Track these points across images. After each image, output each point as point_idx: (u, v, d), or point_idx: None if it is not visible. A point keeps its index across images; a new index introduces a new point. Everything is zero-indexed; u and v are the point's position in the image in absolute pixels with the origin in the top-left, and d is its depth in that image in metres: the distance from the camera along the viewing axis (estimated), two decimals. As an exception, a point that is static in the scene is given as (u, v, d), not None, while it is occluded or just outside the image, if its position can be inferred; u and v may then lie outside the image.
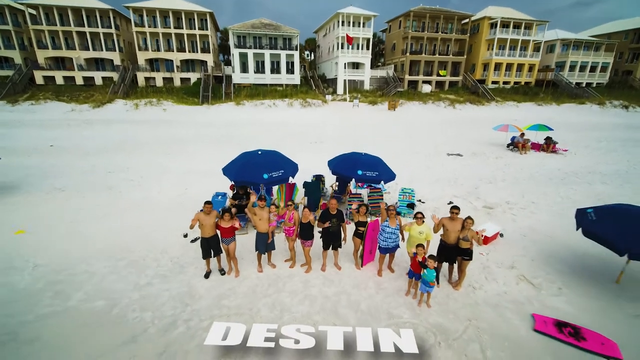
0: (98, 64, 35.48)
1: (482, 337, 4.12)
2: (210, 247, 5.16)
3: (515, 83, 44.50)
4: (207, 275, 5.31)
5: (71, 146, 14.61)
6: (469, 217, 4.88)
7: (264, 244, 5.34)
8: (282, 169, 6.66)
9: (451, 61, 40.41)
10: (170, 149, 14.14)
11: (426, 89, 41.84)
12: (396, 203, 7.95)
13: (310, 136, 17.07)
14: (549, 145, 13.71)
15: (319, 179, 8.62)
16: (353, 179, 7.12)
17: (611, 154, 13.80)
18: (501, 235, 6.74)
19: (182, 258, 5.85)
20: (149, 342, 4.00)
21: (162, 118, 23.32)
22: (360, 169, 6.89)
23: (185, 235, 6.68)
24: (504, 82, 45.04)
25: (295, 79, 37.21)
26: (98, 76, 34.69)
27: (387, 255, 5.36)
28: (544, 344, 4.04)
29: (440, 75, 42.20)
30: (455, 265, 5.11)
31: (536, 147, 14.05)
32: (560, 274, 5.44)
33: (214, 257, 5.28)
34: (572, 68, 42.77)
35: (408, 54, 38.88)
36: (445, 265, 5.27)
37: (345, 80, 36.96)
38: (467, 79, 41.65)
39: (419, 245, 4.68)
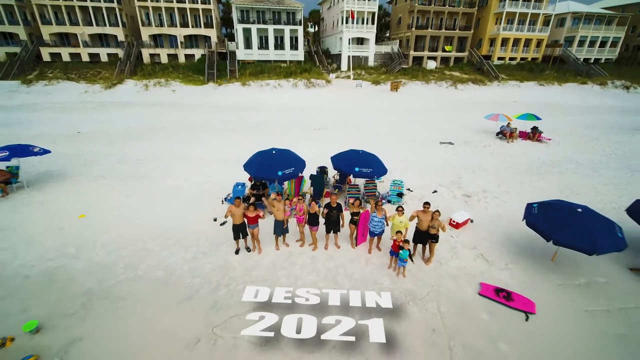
0: (102, 40, 35.76)
1: (440, 298, 5.74)
2: (239, 231, 6.72)
3: (522, 59, 44.06)
4: (237, 252, 6.93)
5: (95, 132, 15.98)
6: (437, 211, 6.35)
7: (281, 229, 6.90)
8: (293, 167, 8.07)
9: (457, 36, 39.97)
10: (185, 135, 15.48)
11: (431, 65, 41.73)
12: (387, 192, 9.41)
13: (315, 122, 18.23)
14: (534, 134, 14.84)
15: (323, 170, 10.04)
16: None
17: (592, 143, 14.94)
18: (471, 221, 8.24)
19: (215, 238, 7.46)
20: (202, 300, 5.67)
21: (172, 100, 24.34)
22: (357, 166, 8.29)
23: (215, 219, 8.25)
24: (511, 58, 44.60)
25: (299, 55, 37.36)
26: (103, 52, 35.14)
27: (375, 238, 6.91)
28: (483, 304, 5.65)
29: (446, 51, 41.88)
30: (427, 246, 6.66)
31: (524, 135, 15.20)
32: (510, 254, 6.99)
33: (242, 238, 6.87)
34: (581, 43, 42.10)
35: (414, 28, 38.48)
36: (420, 246, 6.82)
37: (349, 57, 37.05)
38: (472, 55, 41.38)
39: (398, 232, 6.20)
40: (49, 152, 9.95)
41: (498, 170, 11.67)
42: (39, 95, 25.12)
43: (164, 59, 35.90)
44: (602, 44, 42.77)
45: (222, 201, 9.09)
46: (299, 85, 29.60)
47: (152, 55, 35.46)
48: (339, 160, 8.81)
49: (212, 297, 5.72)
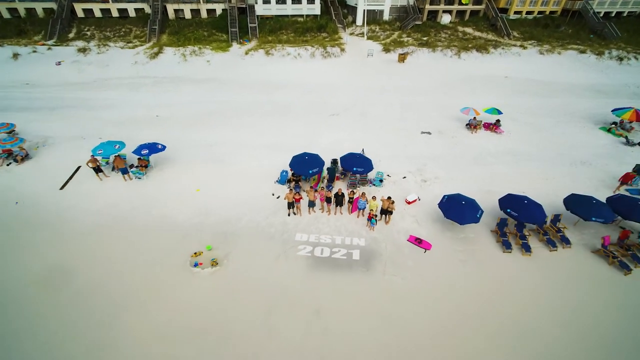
0: (129, -6, 38.72)
1: (387, 241, 12.18)
2: (290, 204, 13.05)
3: (540, 13, 44.46)
4: (289, 215, 13.36)
5: (168, 117, 21.66)
6: (389, 197, 12.45)
7: (312, 205, 13.23)
8: (318, 167, 14.02)
9: (476, -14, 40.71)
10: (234, 121, 21.01)
11: (445, 19, 43.20)
12: (373, 178, 15.35)
13: (329, 105, 23.25)
14: (494, 126, 19.74)
15: (334, 162, 15.89)
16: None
17: (540, 133, 19.82)
18: (419, 199, 14.27)
19: (275, 207, 13.82)
20: (277, 238, 12.27)
21: (211, 76, 28.96)
22: (355, 166, 14.15)
23: (273, 194, 14.56)
24: (528, 12, 45.14)
25: (316, 9, 39.90)
26: (131, 8, 38.62)
27: (361, 210, 13.17)
28: (407, 245, 12.07)
29: (462, 4, 42.80)
30: (386, 216, 12.90)
31: (487, 126, 20.08)
32: (431, 220, 13.17)
33: (291, 208, 13.23)
34: (603, -5, 41.94)
35: (431, -22, 39.38)
36: (384, 216, 13.07)
37: (364, 11, 39.14)
38: (489, 9, 42.29)
39: (371, 210, 12.42)
40: (165, 148, 16.02)
41: (454, 159, 17.22)
42: (100, 68, 30.03)
43: (187, 15, 39.16)
44: (626, -5, 42.44)
45: (275, 182, 15.31)
46: (316, 56, 33.17)
47: (176, 11, 38.60)
48: (345, 161, 14.64)
49: (282, 237, 12.32)
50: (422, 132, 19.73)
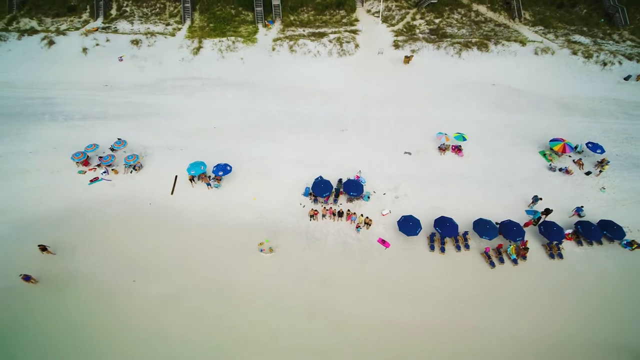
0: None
1: (364, 241, 21.62)
2: (312, 216, 22.34)
3: (559, -12, 45.97)
4: (310, 220, 22.72)
5: (221, 128, 29.60)
6: (367, 217, 21.56)
7: (324, 216, 22.50)
8: (328, 191, 22.83)
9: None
10: (269, 134, 28.87)
11: (461, -6, 45.63)
12: (363, 195, 24.04)
13: (340, 119, 30.49)
14: (458, 150, 27.09)
15: (340, 182, 24.45)
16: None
17: (488, 157, 27.12)
18: (390, 212, 23.17)
19: (302, 214, 23.04)
20: (303, 239, 21.87)
21: (245, 78, 35.35)
22: (352, 191, 22.88)
23: (300, 204, 23.71)
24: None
25: None
26: None
27: (353, 221, 22.39)
28: (376, 245, 21.53)
29: None
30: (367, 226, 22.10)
31: (453, 148, 27.41)
32: (394, 229, 22.24)
33: (312, 217, 22.51)
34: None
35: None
36: (366, 225, 22.26)
37: None
38: None
39: (358, 223, 21.62)
40: (232, 169, 24.75)
41: (421, 179, 25.41)
42: (156, 65, 36.71)
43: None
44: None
45: (301, 195, 24.26)
46: (333, 53, 38.33)
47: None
48: (345, 186, 23.31)
49: (306, 235, 21.87)
50: (405, 152, 27.46)
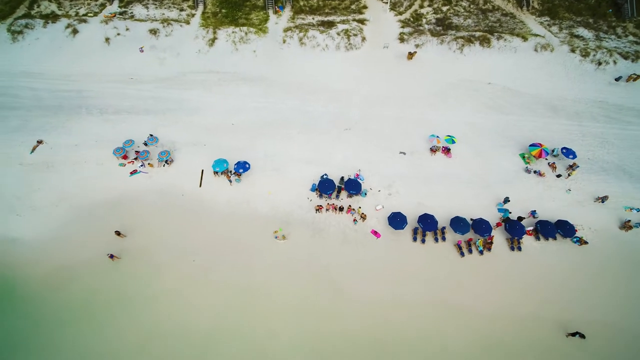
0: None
1: (359, 232, 26.45)
2: (317, 209, 27.01)
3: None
4: (316, 213, 27.40)
5: (238, 125, 33.29)
6: (363, 213, 26.17)
7: (327, 210, 27.16)
8: (332, 189, 27.26)
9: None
10: (281, 132, 32.60)
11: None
12: (361, 192, 28.41)
13: (345, 118, 33.85)
14: (447, 152, 30.73)
15: (342, 179, 28.69)
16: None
17: (474, 159, 30.76)
18: (383, 207, 27.66)
19: (310, 207, 27.67)
20: (310, 228, 26.72)
21: (258, 72, 38.10)
22: (351, 190, 27.26)
23: (308, 198, 28.24)
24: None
25: None
26: None
27: (352, 215, 27.05)
28: (369, 235, 26.35)
29: None
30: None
31: (443, 150, 31.02)
32: (385, 223, 26.88)
33: (317, 210, 27.18)
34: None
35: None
36: (362, 218, 26.93)
37: None
38: None
39: (355, 216, 26.30)
40: (250, 167, 28.97)
41: (412, 179, 29.49)
42: (174, 57, 39.40)
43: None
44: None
45: (309, 190, 28.69)
46: (341, 47, 40.37)
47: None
48: (346, 184, 27.66)
49: (313, 225, 26.72)
50: (400, 152, 31.23)
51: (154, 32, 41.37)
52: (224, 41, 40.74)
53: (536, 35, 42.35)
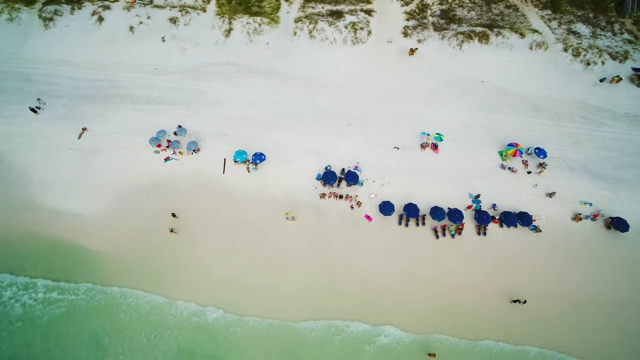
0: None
1: (354, 216, 32.37)
2: (321, 196, 32.74)
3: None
4: (320, 199, 33.16)
5: (254, 117, 37.92)
6: (359, 201, 31.91)
7: (329, 197, 32.92)
8: (334, 179, 32.74)
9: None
10: (292, 125, 37.27)
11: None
12: (358, 183, 33.82)
13: (348, 113, 38.21)
14: (435, 148, 35.44)
15: (343, 171, 33.99)
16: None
17: (458, 155, 35.50)
18: (375, 195, 33.24)
19: (315, 193, 33.36)
20: (315, 211, 32.64)
21: (271, 65, 41.73)
22: (350, 180, 32.72)
23: (313, 185, 33.83)
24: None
25: None
26: None
27: (350, 202, 32.78)
28: (363, 219, 32.26)
29: None
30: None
31: (432, 146, 35.69)
32: (376, 209, 32.64)
33: (322, 197, 32.92)
34: None
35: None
36: (358, 206, 32.70)
37: None
38: None
39: (351, 201, 32.06)
40: (265, 157, 34.23)
41: (402, 171, 34.64)
42: (194, 47, 42.87)
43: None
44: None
45: (314, 179, 34.16)
46: (347, 41, 43.31)
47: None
48: (346, 176, 33.07)
49: (318, 208, 32.63)
50: (394, 147, 36.06)
51: (173, 20, 44.34)
52: (239, 32, 43.77)
53: (534, 31, 44.58)
